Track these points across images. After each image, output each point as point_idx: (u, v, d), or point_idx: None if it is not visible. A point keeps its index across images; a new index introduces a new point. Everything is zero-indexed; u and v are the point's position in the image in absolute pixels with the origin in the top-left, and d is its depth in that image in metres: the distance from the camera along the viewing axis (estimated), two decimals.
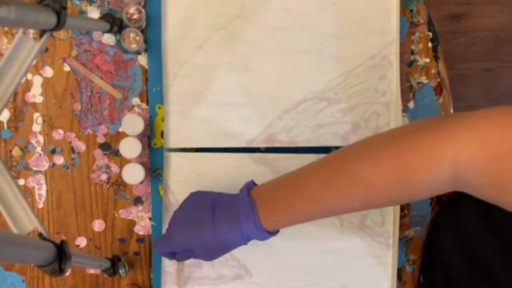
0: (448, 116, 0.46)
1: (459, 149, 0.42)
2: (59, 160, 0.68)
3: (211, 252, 0.56)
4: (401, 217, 0.73)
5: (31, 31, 0.66)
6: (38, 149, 0.68)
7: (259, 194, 0.54)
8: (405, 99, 0.74)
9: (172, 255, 0.59)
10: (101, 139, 0.69)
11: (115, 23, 0.63)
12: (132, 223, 0.69)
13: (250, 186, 0.56)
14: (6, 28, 0.68)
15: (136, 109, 0.69)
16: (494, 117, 0.42)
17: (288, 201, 0.51)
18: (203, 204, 0.56)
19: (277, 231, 0.56)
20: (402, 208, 0.73)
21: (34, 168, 0.68)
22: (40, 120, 0.68)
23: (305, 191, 0.51)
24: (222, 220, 0.54)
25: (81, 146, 0.68)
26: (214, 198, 0.57)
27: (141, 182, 0.67)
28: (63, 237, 0.69)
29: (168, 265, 0.69)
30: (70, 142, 0.68)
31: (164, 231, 0.69)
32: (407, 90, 0.74)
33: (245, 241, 0.55)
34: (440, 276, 0.68)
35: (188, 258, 0.59)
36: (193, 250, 0.56)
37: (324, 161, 0.52)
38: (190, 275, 0.70)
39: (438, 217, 0.73)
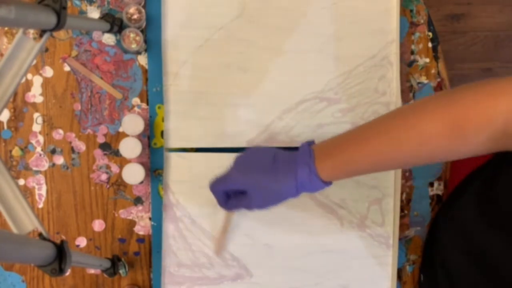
0: (496, 78, 0.48)
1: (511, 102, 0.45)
2: (59, 160, 0.68)
3: (265, 197, 0.58)
4: (401, 217, 0.73)
5: (31, 31, 0.66)
6: (38, 149, 0.68)
7: (317, 145, 0.57)
8: (405, 99, 0.74)
9: (226, 199, 0.61)
10: (101, 139, 0.69)
11: (115, 23, 0.63)
12: (132, 223, 0.69)
13: (311, 142, 0.58)
14: (6, 28, 0.68)
15: (136, 109, 0.69)
16: None
17: (345, 148, 0.54)
18: (266, 151, 0.59)
19: (330, 183, 0.57)
20: (402, 208, 0.73)
21: (34, 168, 0.68)
22: (40, 120, 0.68)
23: (362, 140, 0.53)
24: (280, 166, 0.56)
25: (81, 146, 0.68)
26: (277, 150, 0.59)
27: (141, 182, 0.67)
28: (63, 237, 0.69)
29: (169, 265, 0.69)
30: (70, 142, 0.68)
31: (164, 231, 0.69)
32: (407, 90, 0.74)
33: (297, 189, 0.56)
34: (440, 275, 0.68)
35: (239, 206, 0.60)
36: (248, 192, 0.58)
37: (381, 117, 0.55)
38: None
39: (438, 217, 0.73)
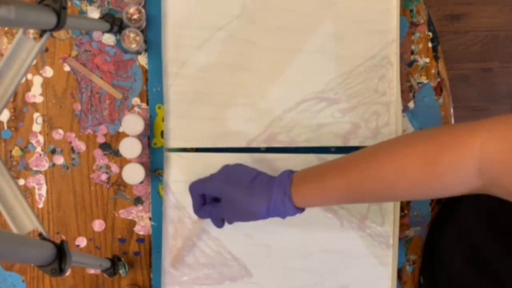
0: (475, 121, 0.48)
1: (487, 139, 0.44)
2: (59, 160, 0.68)
3: (236, 211, 0.60)
4: (401, 217, 0.73)
5: (31, 31, 0.66)
6: (38, 149, 0.68)
7: (297, 172, 0.59)
8: (405, 99, 0.74)
9: (201, 203, 0.64)
10: (101, 139, 0.69)
11: (115, 23, 0.63)
12: (132, 223, 0.69)
13: (292, 171, 0.60)
14: (6, 28, 0.68)
15: (136, 109, 0.69)
16: None
17: (323, 175, 0.55)
18: (250, 170, 0.62)
19: (303, 209, 0.58)
20: (402, 208, 0.73)
21: (34, 168, 0.68)
22: (40, 120, 0.68)
23: (340, 169, 0.54)
24: (258, 185, 0.59)
25: (81, 146, 0.68)
26: (261, 172, 0.62)
27: (141, 182, 0.67)
28: (63, 237, 0.69)
29: (169, 265, 0.69)
30: (70, 142, 0.68)
31: (164, 231, 0.69)
32: (407, 90, 0.74)
33: (268, 211, 0.58)
34: (440, 276, 0.68)
35: (212, 213, 0.63)
36: (222, 202, 0.61)
37: (364, 150, 0.56)
38: (189, 267, 0.70)
39: (438, 217, 0.73)
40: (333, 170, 0.55)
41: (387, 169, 0.50)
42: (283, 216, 0.59)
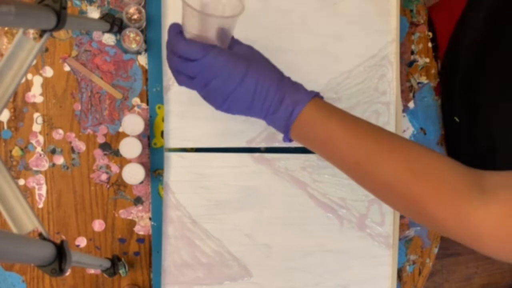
0: (474, 180, 0.45)
1: (485, 219, 0.43)
2: (59, 160, 0.68)
3: (224, 93, 0.49)
4: (401, 217, 0.73)
5: (31, 31, 0.66)
6: (38, 149, 0.68)
7: (322, 101, 0.52)
8: (405, 99, 0.74)
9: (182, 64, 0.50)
10: (101, 139, 0.69)
11: (115, 23, 0.63)
12: (132, 223, 0.69)
13: (320, 95, 0.53)
14: (6, 28, 0.68)
15: (136, 109, 0.69)
16: None
17: (339, 124, 0.50)
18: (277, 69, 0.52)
19: (290, 140, 0.53)
20: None
21: (34, 168, 0.68)
22: (40, 120, 0.68)
23: (356, 130, 0.49)
24: (285, 86, 0.50)
25: (81, 146, 0.68)
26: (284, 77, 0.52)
27: (141, 182, 0.67)
28: (63, 237, 0.69)
29: (169, 265, 0.69)
30: (70, 142, 0.68)
31: (164, 231, 0.69)
32: (407, 90, 0.74)
33: (265, 111, 0.50)
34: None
35: (187, 71, 0.50)
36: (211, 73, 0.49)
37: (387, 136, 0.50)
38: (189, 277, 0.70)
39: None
40: (349, 128, 0.49)
41: (377, 184, 0.48)
42: (277, 127, 0.52)
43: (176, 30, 0.51)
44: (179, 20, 0.69)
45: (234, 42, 0.53)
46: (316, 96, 0.52)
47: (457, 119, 0.72)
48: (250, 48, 0.53)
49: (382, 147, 0.48)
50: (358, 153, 0.48)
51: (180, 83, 0.52)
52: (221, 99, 0.50)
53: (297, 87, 0.51)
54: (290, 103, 0.50)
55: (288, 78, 0.52)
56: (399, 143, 0.48)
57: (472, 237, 0.44)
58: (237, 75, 0.49)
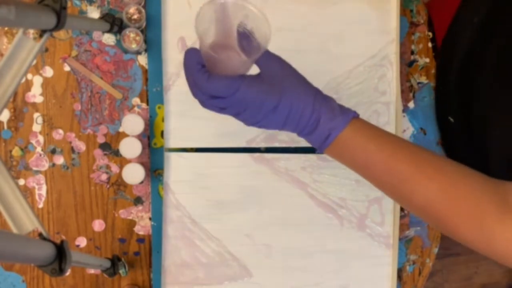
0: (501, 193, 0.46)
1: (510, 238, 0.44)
2: (59, 160, 0.68)
3: (259, 106, 0.47)
4: (401, 217, 0.73)
5: (31, 31, 0.66)
6: (38, 149, 0.68)
7: (356, 124, 0.50)
8: (405, 99, 0.74)
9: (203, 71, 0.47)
10: (101, 139, 0.69)
11: (115, 23, 0.63)
12: (132, 223, 0.69)
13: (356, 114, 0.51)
14: (6, 28, 0.68)
15: (136, 109, 0.69)
16: None
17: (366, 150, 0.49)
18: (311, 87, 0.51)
19: (322, 152, 0.51)
20: (402, 208, 0.73)
21: (34, 168, 0.68)
22: (40, 120, 0.68)
23: (394, 150, 0.49)
24: (318, 104, 0.49)
25: (81, 146, 0.68)
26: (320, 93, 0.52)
27: (141, 182, 0.67)
28: (63, 237, 0.69)
29: (169, 265, 0.69)
30: (70, 142, 0.68)
31: (164, 231, 0.69)
32: (407, 90, 0.74)
33: (298, 130, 0.49)
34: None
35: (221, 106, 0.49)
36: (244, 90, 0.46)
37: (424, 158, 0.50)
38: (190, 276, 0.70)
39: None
40: (392, 154, 0.48)
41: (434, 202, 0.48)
42: (312, 140, 0.50)
43: (194, 60, 0.47)
44: (179, 20, 0.69)
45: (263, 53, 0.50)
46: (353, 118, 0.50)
47: (451, 119, 0.72)
48: (280, 63, 0.51)
49: (420, 176, 0.48)
50: (397, 177, 0.49)
51: (208, 109, 0.50)
52: (253, 122, 0.50)
53: (331, 105, 0.50)
54: (326, 128, 0.49)
55: (321, 93, 0.51)
56: (434, 168, 0.48)
57: (504, 258, 0.45)
58: (270, 104, 0.48)
